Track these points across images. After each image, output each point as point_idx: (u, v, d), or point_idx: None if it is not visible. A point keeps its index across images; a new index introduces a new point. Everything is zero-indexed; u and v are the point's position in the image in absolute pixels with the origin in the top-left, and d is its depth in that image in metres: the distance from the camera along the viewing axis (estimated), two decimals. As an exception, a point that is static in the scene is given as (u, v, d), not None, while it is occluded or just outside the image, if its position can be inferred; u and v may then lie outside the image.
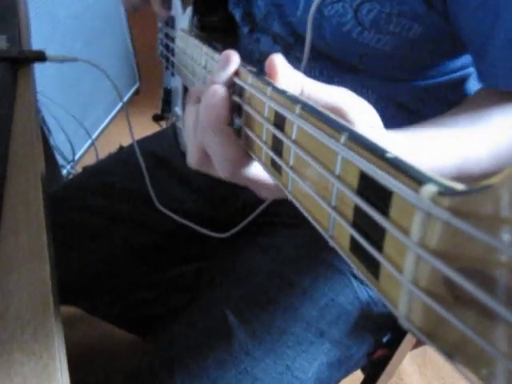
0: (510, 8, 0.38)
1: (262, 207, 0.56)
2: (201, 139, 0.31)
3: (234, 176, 0.31)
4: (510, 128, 0.40)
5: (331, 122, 0.20)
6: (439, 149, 0.37)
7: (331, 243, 0.20)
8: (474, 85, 0.54)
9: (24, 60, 0.67)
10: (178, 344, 0.54)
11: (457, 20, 0.42)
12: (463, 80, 0.54)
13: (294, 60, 0.54)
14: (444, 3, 0.42)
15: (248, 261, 0.61)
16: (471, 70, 0.53)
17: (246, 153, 0.30)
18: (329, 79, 0.53)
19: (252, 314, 0.54)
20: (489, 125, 0.40)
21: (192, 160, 0.34)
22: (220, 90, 0.29)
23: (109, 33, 1.88)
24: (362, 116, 0.27)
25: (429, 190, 0.14)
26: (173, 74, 0.68)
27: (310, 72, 0.54)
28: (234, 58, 0.31)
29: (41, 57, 0.67)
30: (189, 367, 0.51)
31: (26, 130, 0.56)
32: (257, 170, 0.31)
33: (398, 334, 0.67)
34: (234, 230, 0.62)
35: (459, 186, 0.13)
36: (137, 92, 2.19)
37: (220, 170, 0.31)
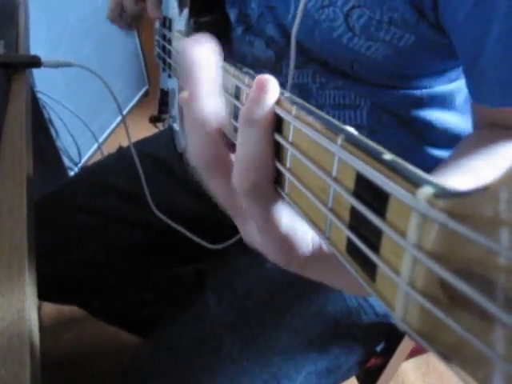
0: (500, 19, 0.37)
1: None
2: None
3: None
4: None
5: (328, 124, 0.20)
6: None
7: (327, 245, 0.20)
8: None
9: (18, 65, 0.67)
10: (165, 350, 0.54)
11: (449, 31, 0.42)
12: (458, 90, 0.54)
13: (286, 66, 0.54)
14: (435, 13, 0.41)
15: (238, 267, 0.61)
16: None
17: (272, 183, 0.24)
18: (321, 85, 0.53)
19: (240, 321, 0.54)
20: (499, 160, 0.38)
21: (200, 152, 0.26)
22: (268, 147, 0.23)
23: (118, 36, 1.88)
24: None
25: (425, 192, 0.14)
26: (169, 76, 0.68)
27: (303, 76, 0.54)
28: (272, 85, 0.24)
29: (36, 62, 0.66)
30: (175, 373, 0.50)
31: (15, 136, 0.55)
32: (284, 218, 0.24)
33: (392, 343, 0.66)
34: (227, 243, 0.62)
35: (456, 188, 0.13)
36: (146, 94, 2.19)
37: (238, 176, 0.24)
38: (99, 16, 1.68)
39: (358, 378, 0.79)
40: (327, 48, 0.48)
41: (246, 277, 0.58)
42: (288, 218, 0.24)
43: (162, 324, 0.59)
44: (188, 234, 0.67)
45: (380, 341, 0.63)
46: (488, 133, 0.43)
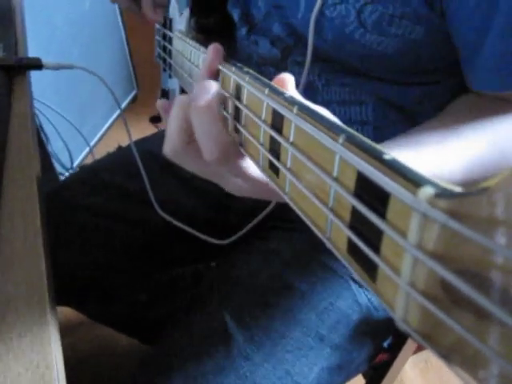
0: (502, 11, 0.38)
1: (263, 214, 0.56)
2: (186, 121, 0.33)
3: (220, 163, 0.31)
4: (483, 147, 0.40)
5: (329, 124, 0.20)
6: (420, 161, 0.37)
7: (328, 245, 0.20)
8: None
9: (20, 67, 0.67)
10: (176, 350, 0.53)
11: (452, 20, 0.43)
12: (463, 86, 0.54)
13: (293, 64, 0.54)
14: (441, 3, 0.42)
15: (247, 265, 0.61)
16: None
17: (235, 144, 0.31)
18: (327, 83, 0.53)
19: (251, 319, 0.54)
20: (462, 139, 0.40)
21: (170, 145, 0.37)
22: (212, 84, 0.31)
23: (106, 40, 1.88)
24: None
25: (426, 192, 0.14)
26: (170, 76, 0.68)
27: (309, 74, 0.54)
28: (216, 47, 0.34)
29: (37, 64, 0.66)
30: (187, 373, 0.50)
31: (21, 138, 0.56)
32: (251, 166, 0.32)
33: (400, 339, 0.66)
34: (233, 238, 0.62)
35: (456, 189, 0.13)
36: (134, 99, 2.18)
37: (207, 152, 0.31)
38: (87, 20, 1.67)
39: (365, 376, 0.79)
40: (338, 44, 0.48)
41: (256, 275, 0.58)
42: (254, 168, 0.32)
43: (170, 325, 0.59)
44: (192, 230, 0.66)
45: (388, 336, 0.63)
46: (488, 101, 0.44)
